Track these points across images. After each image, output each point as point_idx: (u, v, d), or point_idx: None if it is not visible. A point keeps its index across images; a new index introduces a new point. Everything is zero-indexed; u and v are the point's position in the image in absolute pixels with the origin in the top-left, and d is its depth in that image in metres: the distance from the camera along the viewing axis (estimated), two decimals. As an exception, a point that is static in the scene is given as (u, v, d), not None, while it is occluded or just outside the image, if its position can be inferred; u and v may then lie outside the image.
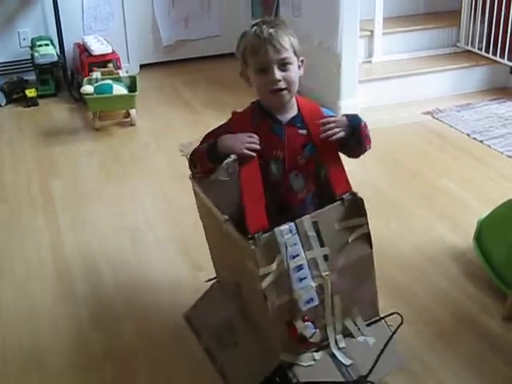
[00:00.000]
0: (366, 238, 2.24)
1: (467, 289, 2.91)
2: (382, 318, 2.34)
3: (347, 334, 2.26)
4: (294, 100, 2.24)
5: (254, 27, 2.19)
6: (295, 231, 2.09)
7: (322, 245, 2.14)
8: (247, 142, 2.14)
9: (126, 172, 4.15)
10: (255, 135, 2.15)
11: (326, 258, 2.15)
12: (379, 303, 2.80)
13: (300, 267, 2.11)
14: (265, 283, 2.06)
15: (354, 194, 2.17)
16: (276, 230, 2.06)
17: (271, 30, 2.15)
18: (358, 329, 2.28)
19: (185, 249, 3.25)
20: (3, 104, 5.28)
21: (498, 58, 5.14)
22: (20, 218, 3.63)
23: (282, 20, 2.28)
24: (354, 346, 2.25)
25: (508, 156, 4.17)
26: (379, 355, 2.24)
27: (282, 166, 2.23)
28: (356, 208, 2.18)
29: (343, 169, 2.21)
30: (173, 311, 2.82)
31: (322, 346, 2.22)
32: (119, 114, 4.88)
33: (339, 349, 2.23)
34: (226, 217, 2.19)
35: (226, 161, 2.36)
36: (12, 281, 3.08)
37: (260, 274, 2.05)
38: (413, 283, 2.96)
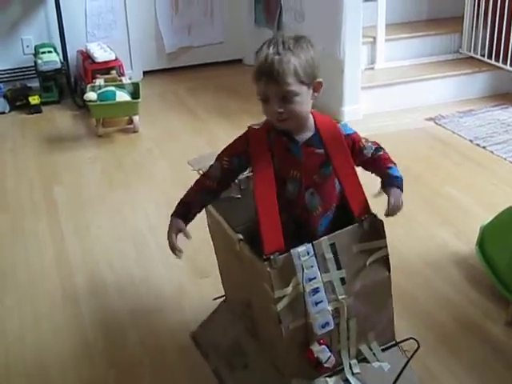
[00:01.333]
0: (385, 261, 2.18)
1: (470, 294, 2.91)
2: (398, 343, 2.30)
3: (362, 359, 2.22)
4: (310, 118, 2.17)
5: (270, 45, 2.05)
6: (312, 253, 2.03)
7: (339, 267, 2.08)
8: (169, 242, 2.25)
9: (129, 179, 4.16)
10: (174, 246, 2.24)
11: (342, 281, 2.09)
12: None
13: (316, 290, 2.05)
14: (279, 306, 2.01)
15: (373, 216, 2.13)
16: (293, 251, 2.00)
17: (276, 58, 2.02)
18: (373, 354, 2.23)
19: (188, 255, 3.23)
20: (6, 111, 5.29)
21: (500, 64, 5.15)
22: (23, 224, 3.63)
23: (304, 37, 2.12)
24: (369, 372, 2.20)
25: (511, 162, 4.16)
26: (395, 381, 2.19)
27: (299, 185, 2.19)
28: (375, 230, 2.13)
29: (362, 190, 2.15)
30: (177, 318, 2.82)
31: (336, 371, 2.18)
32: (122, 120, 4.89)
33: (353, 374, 2.18)
34: (241, 236, 2.15)
35: (238, 177, 2.35)
36: (15, 288, 3.09)
37: (275, 297, 1.99)
38: (415, 289, 2.96)
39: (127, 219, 3.66)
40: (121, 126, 4.89)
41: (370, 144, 2.26)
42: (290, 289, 2.01)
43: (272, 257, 1.98)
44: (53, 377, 2.55)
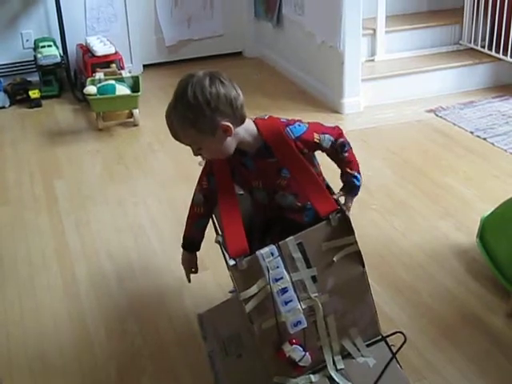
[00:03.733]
0: (357, 256, 2.16)
1: (471, 286, 2.91)
2: (384, 337, 2.28)
3: (346, 355, 2.21)
4: (254, 131, 2.15)
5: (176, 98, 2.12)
6: (277, 254, 2.06)
7: (309, 266, 2.10)
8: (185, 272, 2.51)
9: (130, 172, 4.16)
10: (188, 276, 2.52)
11: (314, 279, 2.10)
12: (383, 302, 2.81)
13: (284, 290, 2.07)
14: (248, 307, 2.04)
15: (340, 213, 2.12)
16: (257, 253, 2.04)
17: (173, 118, 2.10)
18: (358, 349, 2.22)
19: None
20: (7, 105, 5.29)
21: (501, 56, 5.14)
22: (24, 218, 3.64)
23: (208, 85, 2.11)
24: (353, 368, 2.19)
25: (511, 153, 4.16)
26: (379, 377, 2.17)
27: (265, 192, 2.26)
28: (343, 226, 2.13)
29: (323, 188, 2.16)
30: (177, 310, 2.83)
31: (320, 367, 2.18)
32: (122, 114, 4.89)
33: (337, 370, 2.18)
34: (220, 239, 2.23)
35: None
36: (16, 281, 3.09)
37: (240, 299, 2.04)
38: (416, 281, 2.96)
39: (127, 212, 3.66)
40: (121, 120, 4.89)
41: (327, 135, 2.23)
42: (255, 290, 2.04)
43: (238, 259, 2.03)
44: (54, 367, 2.56)
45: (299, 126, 2.19)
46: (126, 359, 2.58)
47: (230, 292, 2.74)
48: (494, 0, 5.11)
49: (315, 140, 2.20)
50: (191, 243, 2.45)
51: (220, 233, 2.29)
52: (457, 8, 5.55)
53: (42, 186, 3.99)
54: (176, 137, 2.15)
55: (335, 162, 2.32)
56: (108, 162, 4.30)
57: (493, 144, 4.30)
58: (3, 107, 5.27)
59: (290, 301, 2.08)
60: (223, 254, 2.21)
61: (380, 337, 2.27)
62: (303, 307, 2.10)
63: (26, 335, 2.73)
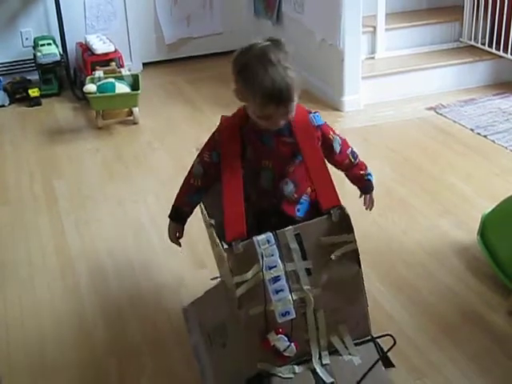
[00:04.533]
0: (354, 255, 2.16)
1: (471, 284, 2.91)
2: (374, 338, 2.28)
3: (333, 352, 2.21)
4: None
5: (266, 63, 2.04)
6: (273, 242, 2.06)
7: (305, 258, 2.10)
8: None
9: (129, 170, 4.15)
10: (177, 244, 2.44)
11: (308, 271, 2.11)
12: (384, 300, 2.81)
13: (277, 279, 2.07)
14: (239, 292, 2.04)
15: (341, 210, 2.12)
16: (254, 239, 2.04)
17: (283, 82, 2.01)
18: (345, 347, 2.22)
19: (188, 247, 3.24)
20: (6, 104, 5.28)
21: (501, 53, 5.13)
22: (23, 217, 3.63)
23: (280, 41, 2.15)
24: (338, 364, 2.20)
25: (512, 151, 4.16)
26: (363, 377, 2.17)
27: (272, 174, 2.22)
28: (343, 224, 2.13)
29: (331, 181, 2.16)
30: (176, 308, 2.82)
31: (304, 360, 2.18)
32: (122, 112, 4.87)
33: (322, 365, 2.18)
34: (212, 221, 2.20)
35: None
36: (17, 280, 3.09)
37: (234, 282, 2.03)
38: (417, 279, 2.96)
39: (127, 211, 3.65)
40: (121, 118, 4.88)
41: (337, 138, 2.29)
42: (249, 275, 2.04)
43: (233, 243, 2.03)
44: (54, 366, 2.55)
45: (319, 117, 2.24)
46: (125, 357, 2.58)
47: (212, 279, 2.72)
48: (494, -3, 5.11)
49: (330, 136, 2.25)
50: (180, 214, 2.40)
51: (208, 218, 2.27)
52: (457, 5, 5.54)
53: (41, 185, 3.98)
54: (286, 101, 2.05)
55: (345, 170, 2.38)
56: (108, 160, 4.30)
57: (493, 141, 4.29)
58: (3, 106, 5.26)
59: (281, 290, 2.08)
60: (213, 236, 2.19)
61: (369, 337, 2.27)
62: (294, 298, 2.10)
63: (25, 333, 2.73)
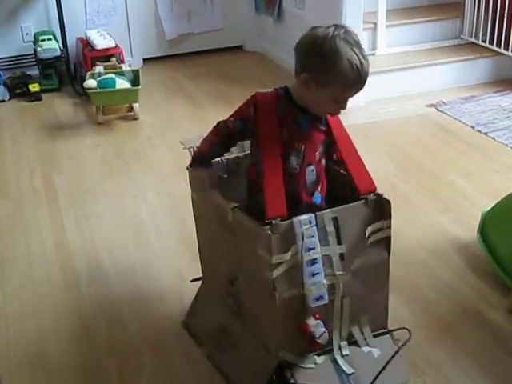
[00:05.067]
0: (386, 242, 2.18)
1: (471, 281, 2.91)
2: (391, 331, 2.30)
3: (352, 342, 2.22)
4: None
5: (352, 46, 2.06)
6: (314, 223, 2.03)
7: (340, 242, 2.08)
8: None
9: (129, 166, 4.15)
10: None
11: (341, 256, 2.09)
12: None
13: (314, 261, 2.05)
14: (276, 272, 2.00)
15: (379, 195, 2.14)
16: (295, 219, 2.01)
17: (367, 69, 2.07)
18: (364, 338, 2.23)
19: (187, 242, 3.24)
20: (6, 99, 5.27)
21: (502, 50, 5.13)
22: (23, 212, 3.63)
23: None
24: (358, 356, 2.20)
25: (512, 148, 4.16)
26: (382, 369, 2.18)
27: (302, 158, 2.21)
28: (380, 210, 2.13)
29: (365, 168, 2.19)
30: (176, 305, 2.81)
31: (325, 350, 2.18)
32: (122, 108, 4.87)
33: (342, 356, 2.18)
34: (234, 204, 2.14)
35: (226, 157, 2.36)
36: (16, 275, 3.08)
37: (273, 262, 1.99)
38: (417, 276, 2.95)
39: (127, 207, 3.65)
40: (121, 114, 4.88)
41: None
42: (288, 256, 2.01)
43: (274, 222, 1.98)
44: (53, 364, 2.54)
45: None
46: (125, 355, 2.57)
47: (192, 281, 2.72)
48: (495, -6, 5.10)
49: None
50: (203, 159, 2.35)
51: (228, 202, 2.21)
52: (458, 2, 5.53)
53: (41, 180, 3.98)
54: (363, 84, 2.10)
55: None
56: (108, 156, 4.29)
57: (493, 139, 4.29)
58: (3, 101, 5.25)
59: (318, 273, 2.06)
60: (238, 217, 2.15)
61: (386, 329, 2.29)
62: (326, 283, 2.08)
63: (25, 330, 2.73)
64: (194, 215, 2.53)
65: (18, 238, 3.38)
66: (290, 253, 2.01)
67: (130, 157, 4.27)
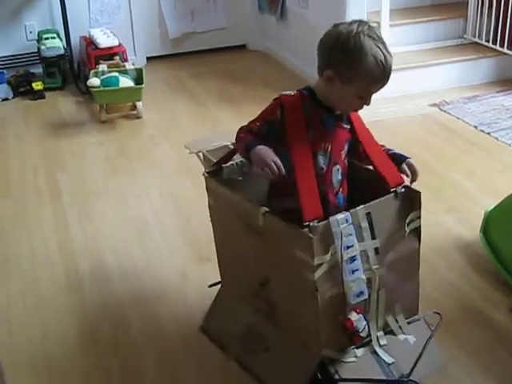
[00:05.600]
0: (417, 232, 2.23)
1: (474, 281, 2.91)
2: (423, 316, 2.35)
3: (388, 332, 2.26)
4: None
5: (377, 42, 2.09)
6: (351, 221, 2.05)
7: (374, 237, 2.12)
8: (270, 166, 2.03)
9: (133, 165, 4.16)
10: (280, 164, 2.04)
11: (376, 250, 2.13)
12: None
13: (353, 258, 2.08)
14: (317, 273, 2.02)
15: (408, 187, 2.18)
16: (331, 219, 2.02)
17: (391, 64, 2.10)
18: (399, 326, 2.27)
19: (191, 241, 3.25)
20: (10, 97, 5.29)
21: (505, 50, 5.12)
22: (26, 210, 3.64)
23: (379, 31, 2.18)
24: (395, 344, 2.25)
25: (515, 148, 4.16)
26: (420, 354, 2.23)
27: (329, 158, 2.22)
28: (409, 201, 2.17)
29: (391, 161, 2.22)
30: (180, 305, 2.82)
31: (364, 342, 2.21)
32: (126, 106, 4.88)
33: (380, 346, 2.22)
34: (266, 209, 2.15)
35: (240, 159, 2.36)
36: (19, 275, 3.09)
37: (314, 264, 2.00)
38: (421, 274, 2.95)
39: (130, 205, 3.66)
40: (124, 112, 4.88)
41: None
42: (328, 256, 2.03)
43: (311, 224, 1.99)
44: (56, 364, 2.55)
45: None
46: (128, 356, 2.58)
47: (210, 286, 2.72)
48: (498, -6, 5.10)
49: None
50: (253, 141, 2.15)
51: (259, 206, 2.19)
52: (461, 2, 5.53)
53: (44, 179, 3.99)
54: (387, 79, 2.15)
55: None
56: (111, 154, 4.30)
57: (496, 138, 4.29)
58: (6, 99, 5.27)
59: (357, 270, 2.10)
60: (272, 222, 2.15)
61: (419, 315, 2.35)
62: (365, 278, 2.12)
63: (28, 330, 2.73)
64: (212, 220, 2.53)
65: (21, 236, 3.39)
66: (329, 253, 2.04)
67: (133, 155, 4.28)
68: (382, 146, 2.35)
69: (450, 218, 3.39)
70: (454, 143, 4.27)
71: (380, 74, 2.08)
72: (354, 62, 2.07)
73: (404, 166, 2.28)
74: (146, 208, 3.62)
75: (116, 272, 3.08)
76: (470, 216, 3.37)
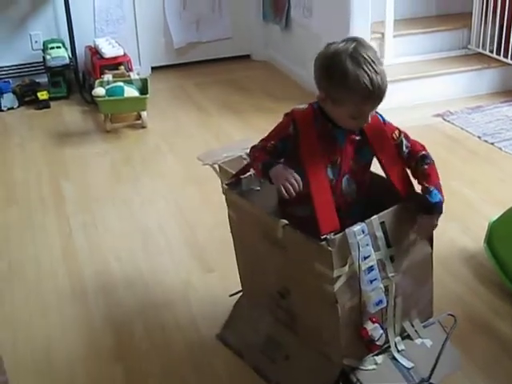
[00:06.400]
0: (429, 237, 2.28)
1: (479, 291, 2.90)
2: (437, 319, 2.38)
3: (405, 337, 2.28)
4: None
5: (361, 63, 2.05)
6: (367, 232, 2.07)
7: (389, 245, 2.14)
8: (289, 182, 2.04)
9: (137, 174, 4.16)
10: (299, 179, 2.06)
11: (392, 258, 2.16)
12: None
13: (371, 268, 2.10)
14: (337, 285, 2.05)
15: (418, 195, 2.22)
16: (348, 230, 2.04)
17: (379, 80, 2.07)
18: (416, 331, 2.30)
19: (195, 251, 3.26)
20: (15, 106, 5.30)
21: (509, 61, 5.13)
22: (31, 219, 3.65)
23: (362, 39, 2.16)
24: (413, 349, 2.27)
25: (519, 158, 4.16)
26: (438, 357, 2.27)
27: (338, 170, 2.23)
28: (422, 208, 2.21)
29: (405, 170, 2.24)
30: (184, 313, 2.83)
31: (383, 349, 2.23)
32: (130, 116, 4.89)
33: (399, 351, 2.24)
34: (286, 221, 2.16)
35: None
36: (24, 282, 3.10)
37: (334, 276, 2.03)
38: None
39: (135, 214, 3.66)
40: (129, 122, 4.89)
41: (404, 139, 2.34)
42: (346, 267, 2.05)
43: (329, 236, 2.01)
44: (60, 370, 2.56)
45: (381, 115, 2.32)
46: (133, 362, 2.59)
47: (231, 295, 2.73)
48: (502, 4, 5.10)
49: (394, 135, 2.31)
50: (269, 162, 2.16)
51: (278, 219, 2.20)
52: (465, 12, 5.53)
53: (49, 187, 4.00)
54: (382, 97, 2.14)
55: (414, 177, 2.32)
56: (116, 163, 4.31)
57: (500, 149, 4.29)
58: (12, 108, 5.28)
59: (375, 279, 2.12)
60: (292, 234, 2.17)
61: (433, 318, 2.38)
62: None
63: (32, 337, 2.74)
64: (232, 231, 2.55)
65: (26, 244, 3.40)
66: (347, 264, 2.06)
67: (137, 164, 4.29)
68: (426, 180, 2.31)
69: (454, 227, 3.38)
70: (458, 153, 4.28)
71: (367, 95, 2.06)
72: (338, 87, 2.08)
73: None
74: (151, 217, 3.62)
75: (120, 280, 3.09)
76: (473, 226, 3.37)
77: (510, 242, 2.91)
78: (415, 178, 2.30)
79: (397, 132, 2.32)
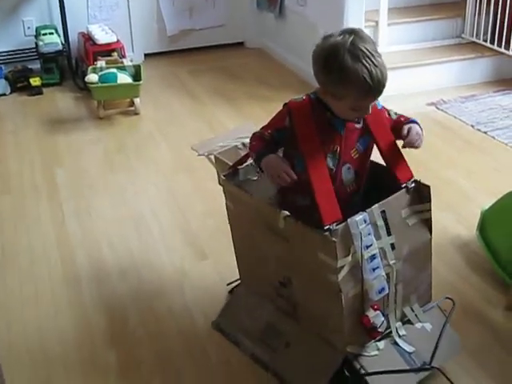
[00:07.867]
0: (428, 223, 2.29)
1: (471, 279, 2.92)
2: (436, 303, 2.40)
3: (405, 322, 2.31)
4: None
5: (360, 57, 2.04)
6: (368, 221, 2.09)
7: (389, 233, 2.16)
8: (281, 176, 2.08)
9: (130, 161, 4.16)
10: (290, 172, 2.08)
11: (392, 246, 2.18)
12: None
13: (373, 257, 2.12)
14: (341, 275, 2.06)
15: (418, 182, 2.23)
16: (350, 220, 2.05)
17: (379, 73, 2.06)
18: (416, 315, 2.32)
19: (188, 238, 3.26)
20: (8, 93, 5.28)
21: (502, 50, 5.13)
22: (24, 206, 3.64)
23: (361, 31, 2.14)
24: (414, 333, 2.30)
25: (512, 147, 4.17)
26: (438, 340, 2.30)
27: (338, 159, 2.23)
28: (418, 194, 2.23)
29: (403, 158, 2.25)
30: (177, 300, 2.83)
31: (384, 334, 2.25)
32: (123, 102, 4.88)
33: (400, 336, 2.27)
34: (287, 212, 2.17)
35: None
36: (17, 269, 3.09)
37: (338, 266, 2.04)
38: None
39: (128, 202, 3.66)
40: (122, 108, 4.88)
41: (391, 111, 2.38)
42: (349, 257, 2.07)
43: (331, 227, 2.02)
44: (54, 356, 2.56)
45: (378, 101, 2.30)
46: (126, 349, 2.59)
47: (229, 284, 2.73)
48: (496, -7, 5.11)
49: (387, 115, 2.34)
50: (264, 150, 2.20)
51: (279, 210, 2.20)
52: (459, 1, 5.54)
53: (42, 175, 3.99)
54: (382, 90, 2.14)
55: (396, 132, 2.31)
56: (109, 150, 4.30)
57: (493, 137, 4.30)
58: (4, 94, 5.26)
59: (377, 267, 2.14)
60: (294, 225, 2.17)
61: (432, 302, 2.40)
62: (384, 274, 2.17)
63: (26, 323, 2.74)
64: (230, 221, 2.55)
65: (20, 232, 3.39)
66: (350, 254, 2.07)
67: (130, 151, 4.28)
68: (402, 116, 2.37)
69: (447, 216, 3.40)
70: (451, 142, 4.28)
71: (367, 89, 2.06)
72: (338, 82, 2.08)
73: (404, 128, 2.28)
74: (144, 204, 3.62)
75: (113, 267, 3.09)
76: (466, 214, 3.38)
77: (502, 230, 2.93)
78: (398, 129, 2.31)
79: (388, 112, 2.36)
